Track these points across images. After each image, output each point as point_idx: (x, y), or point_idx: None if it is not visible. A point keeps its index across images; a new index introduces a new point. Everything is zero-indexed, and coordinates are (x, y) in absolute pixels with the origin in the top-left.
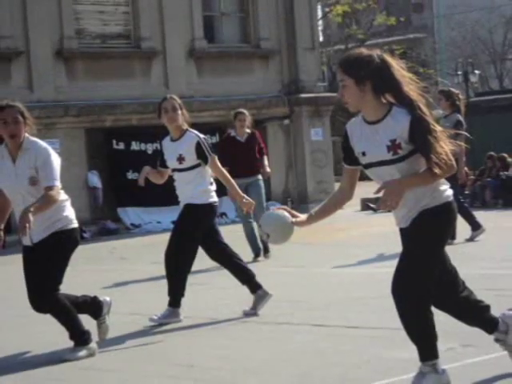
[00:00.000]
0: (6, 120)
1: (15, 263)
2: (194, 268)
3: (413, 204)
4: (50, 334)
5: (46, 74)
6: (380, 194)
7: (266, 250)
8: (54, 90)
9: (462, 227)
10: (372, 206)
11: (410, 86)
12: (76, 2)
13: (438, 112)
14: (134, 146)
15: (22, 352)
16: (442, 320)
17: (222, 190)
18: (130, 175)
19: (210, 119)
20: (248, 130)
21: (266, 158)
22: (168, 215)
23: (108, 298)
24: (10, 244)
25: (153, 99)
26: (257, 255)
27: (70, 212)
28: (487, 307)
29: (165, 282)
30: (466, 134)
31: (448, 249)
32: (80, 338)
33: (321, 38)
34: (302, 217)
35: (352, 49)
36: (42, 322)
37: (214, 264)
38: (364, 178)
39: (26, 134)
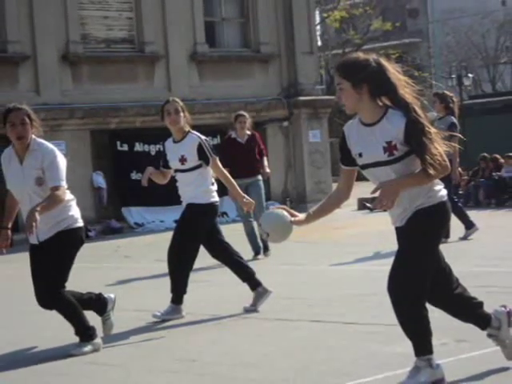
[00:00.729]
0: (13, 122)
1: (22, 261)
2: (195, 266)
3: (408, 204)
4: (56, 329)
5: (52, 77)
6: (376, 194)
7: (266, 249)
8: (60, 94)
9: (456, 226)
10: (368, 205)
11: (406, 89)
12: (81, 7)
13: (433, 114)
14: (138, 147)
15: (28, 347)
16: (437, 316)
17: (222, 190)
18: (134, 176)
19: (212, 121)
20: (248, 132)
21: (265, 158)
22: (171, 214)
23: (112, 295)
24: (17, 242)
25: (156, 102)
26: (257, 253)
27: (75, 211)
28: (480, 304)
29: (167, 279)
30: (459, 135)
31: (442, 247)
32: (85, 333)
33: (319, 43)
34: (301, 216)
35: (349, 53)
36: (49, 319)
37: (215, 262)
38: (361, 178)
39: (33, 136)
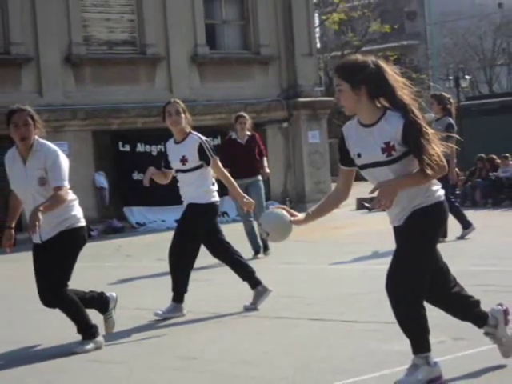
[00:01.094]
0: (16, 123)
1: (25, 260)
2: (196, 265)
3: (406, 203)
4: (58, 328)
5: (54, 79)
6: (375, 194)
7: (266, 248)
8: (63, 95)
9: (453, 226)
10: (367, 205)
11: (404, 90)
12: (84, 9)
13: (430, 115)
14: (140, 147)
15: (31, 345)
16: (434, 314)
17: (223, 190)
18: (136, 176)
19: (212, 122)
20: (248, 133)
21: (265, 159)
22: (172, 214)
23: (114, 294)
24: (20, 242)
25: (157, 103)
26: (257, 252)
27: (77, 211)
28: (477, 302)
29: (169, 278)
30: (456, 136)
31: (440, 246)
32: (87, 331)
33: (318, 45)
34: (300, 216)
35: (348, 55)
36: (51, 317)
37: (215, 261)
38: (360, 178)
39: (36, 137)
